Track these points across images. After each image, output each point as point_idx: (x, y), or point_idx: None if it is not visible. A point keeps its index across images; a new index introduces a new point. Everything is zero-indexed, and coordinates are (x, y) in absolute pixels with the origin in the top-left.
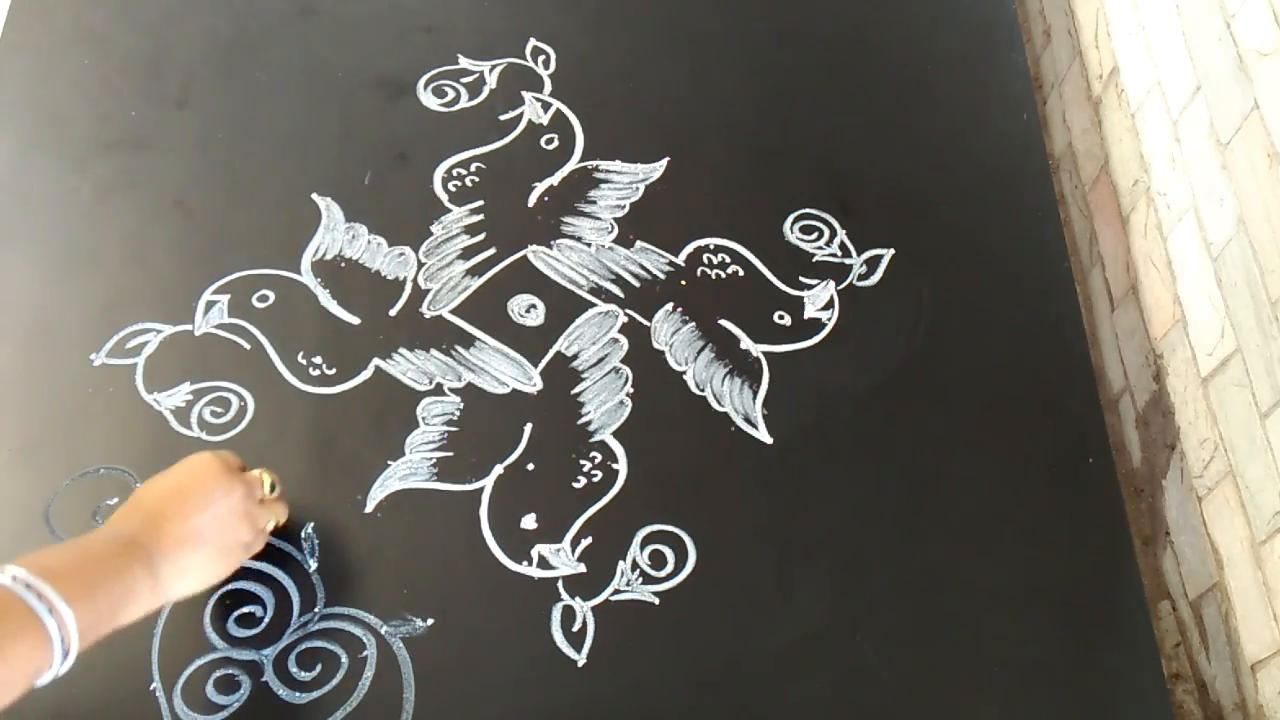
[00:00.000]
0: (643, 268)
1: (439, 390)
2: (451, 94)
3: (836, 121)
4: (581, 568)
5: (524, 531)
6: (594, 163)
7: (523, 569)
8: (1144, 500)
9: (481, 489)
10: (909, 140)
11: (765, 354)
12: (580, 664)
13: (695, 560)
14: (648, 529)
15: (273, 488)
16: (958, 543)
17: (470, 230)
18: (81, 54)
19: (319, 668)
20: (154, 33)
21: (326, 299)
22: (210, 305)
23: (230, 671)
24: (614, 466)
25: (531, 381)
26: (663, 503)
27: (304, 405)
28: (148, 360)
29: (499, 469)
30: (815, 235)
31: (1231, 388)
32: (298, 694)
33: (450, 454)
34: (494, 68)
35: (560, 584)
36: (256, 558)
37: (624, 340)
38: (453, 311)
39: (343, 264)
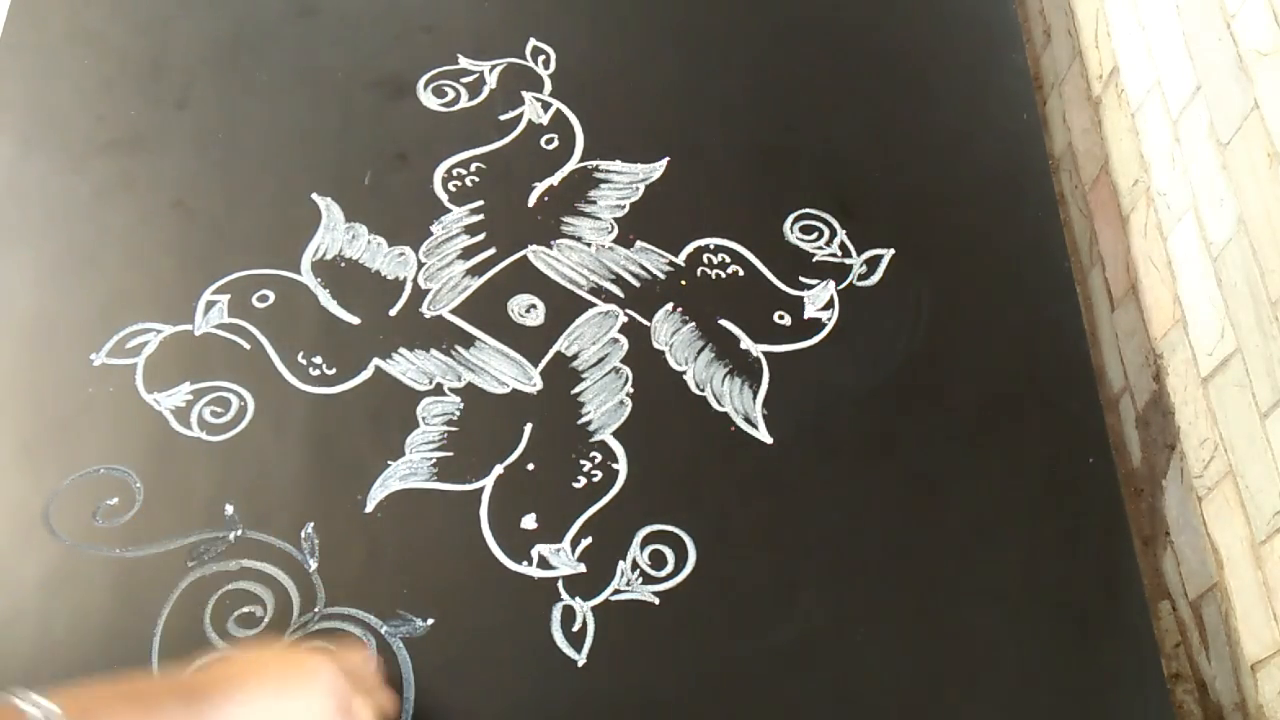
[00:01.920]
0: (643, 268)
1: (439, 390)
2: (451, 94)
3: (836, 121)
4: (581, 568)
5: (524, 531)
6: (594, 163)
7: (523, 569)
8: (1144, 500)
9: (481, 489)
10: (909, 140)
11: (765, 354)
12: (580, 664)
13: (695, 560)
14: (648, 529)
15: None
16: (958, 543)
17: (470, 230)
18: (81, 54)
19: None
20: (154, 33)
21: (326, 299)
22: (210, 305)
23: None
24: (614, 466)
25: (531, 381)
26: (663, 503)
27: (304, 405)
28: (148, 360)
29: (499, 469)
30: (815, 235)
31: (1231, 388)
32: None
33: (450, 454)
34: (494, 68)
35: (560, 584)
36: (257, 558)
37: (624, 340)
38: (453, 311)
39: (343, 264)
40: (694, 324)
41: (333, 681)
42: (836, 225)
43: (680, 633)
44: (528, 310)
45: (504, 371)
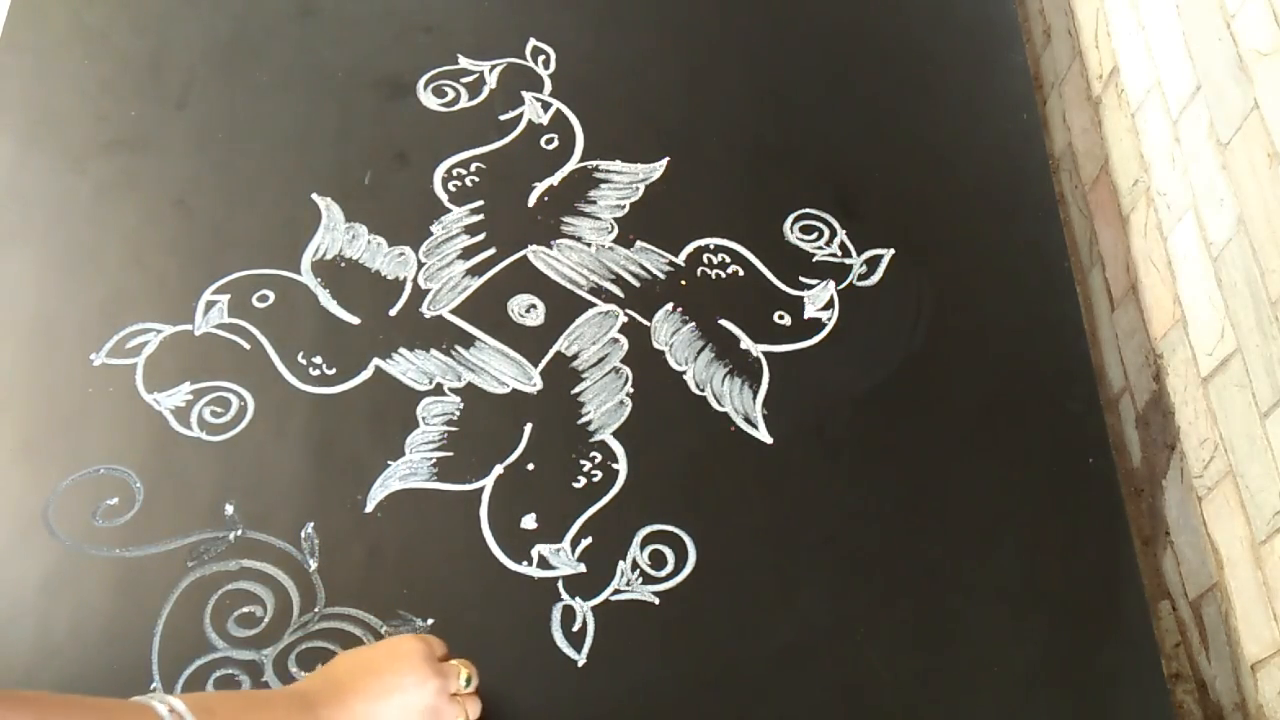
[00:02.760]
0: (643, 268)
1: (439, 390)
2: (451, 94)
3: (836, 121)
4: (581, 568)
5: (524, 531)
6: (594, 163)
7: (523, 569)
8: (1144, 500)
9: (481, 489)
10: (909, 140)
11: (765, 354)
12: (580, 664)
13: (695, 560)
14: (648, 529)
15: (468, 681)
16: (958, 543)
17: (470, 230)
18: (81, 54)
19: (319, 668)
20: (154, 33)
21: (326, 299)
22: (210, 305)
23: (230, 671)
24: (614, 466)
25: (531, 381)
26: (663, 503)
27: (304, 405)
28: (148, 360)
29: (499, 469)
30: (815, 235)
31: (1231, 388)
32: None
33: (450, 454)
34: (494, 68)
35: (560, 584)
36: (257, 558)
37: (624, 340)
38: (453, 311)
39: (343, 264)
40: (694, 324)
41: (427, 655)
42: (836, 225)
43: (680, 633)
44: (528, 310)
45: (504, 371)
